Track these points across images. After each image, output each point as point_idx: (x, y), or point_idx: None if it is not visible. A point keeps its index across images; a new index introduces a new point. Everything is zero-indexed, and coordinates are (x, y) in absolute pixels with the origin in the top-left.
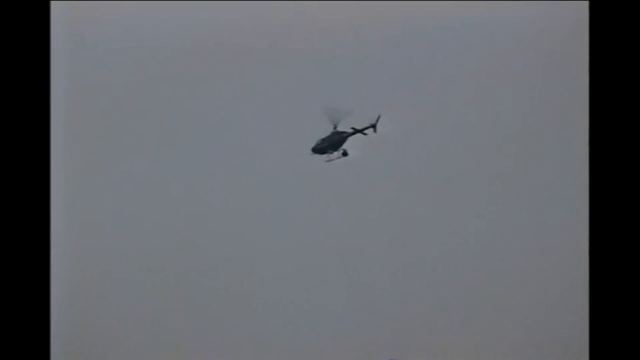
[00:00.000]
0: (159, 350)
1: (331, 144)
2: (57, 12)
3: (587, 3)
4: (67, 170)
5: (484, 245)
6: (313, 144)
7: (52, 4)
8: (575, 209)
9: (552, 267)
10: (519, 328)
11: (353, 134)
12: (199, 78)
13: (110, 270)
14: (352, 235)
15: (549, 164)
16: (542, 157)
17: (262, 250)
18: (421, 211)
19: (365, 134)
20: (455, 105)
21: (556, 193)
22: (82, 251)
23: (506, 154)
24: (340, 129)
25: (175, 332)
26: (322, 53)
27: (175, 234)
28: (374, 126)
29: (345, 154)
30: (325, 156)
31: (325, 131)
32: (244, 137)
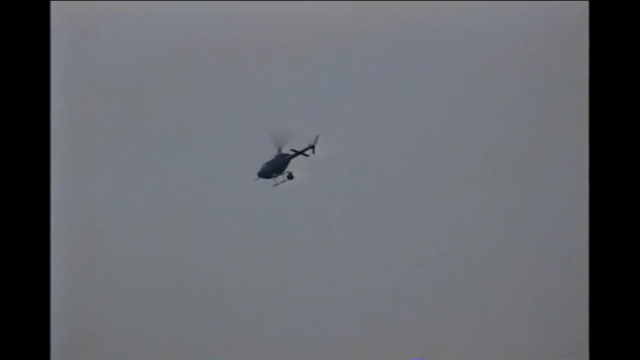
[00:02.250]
0: (159, 350)
1: (275, 167)
2: (57, 12)
3: (587, 3)
4: (67, 169)
5: (483, 246)
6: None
7: (52, 4)
8: (575, 209)
9: (552, 267)
10: (519, 328)
11: (294, 155)
12: (200, 78)
13: (111, 269)
14: (349, 238)
15: (549, 164)
16: (542, 156)
17: (262, 249)
18: (419, 212)
19: (306, 155)
20: (454, 105)
21: (556, 193)
22: (82, 250)
23: (506, 153)
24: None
25: (176, 331)
26: (317, 56)
27: (176, 233)
28: (312, 147)
29: (290, 177)
30: (272, 180)
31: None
32: (245, 136)
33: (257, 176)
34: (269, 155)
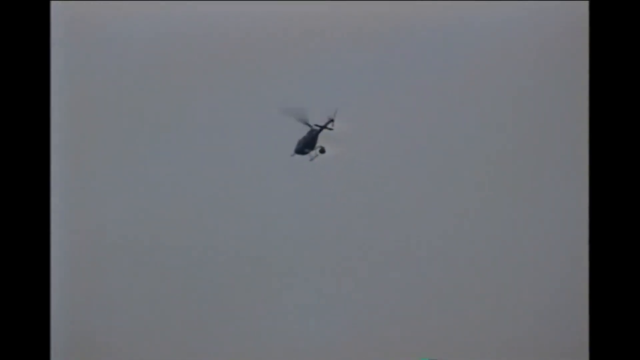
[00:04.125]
0: (160, 350)
1: (306, 143)
2: (57, 12)
3: (587, 3)
4: (67, 170)
5: (483, 246)
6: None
7: (52, 4)
8: (575, 209)
9: (552, 267)
10: (518, 328)
11: (320, 130)
12: (202, 78)
13: (111, 269)
14: (348, 231)
15: (548, 164)
16: (541, 157)
17: (262, 247)
18: (419, 210)
19: (330, 128)
20: (454, 105)
21: (556, 194)
22: (82, 250)
23: (505, 154)
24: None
25: (178, 331)
26: (316, 53)
27: (178, 233)
28: (332, 120)
29: (322, 151)
30: (307, 156)
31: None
32: (244, 136)
33: (293, 153)
34: (272, 155)
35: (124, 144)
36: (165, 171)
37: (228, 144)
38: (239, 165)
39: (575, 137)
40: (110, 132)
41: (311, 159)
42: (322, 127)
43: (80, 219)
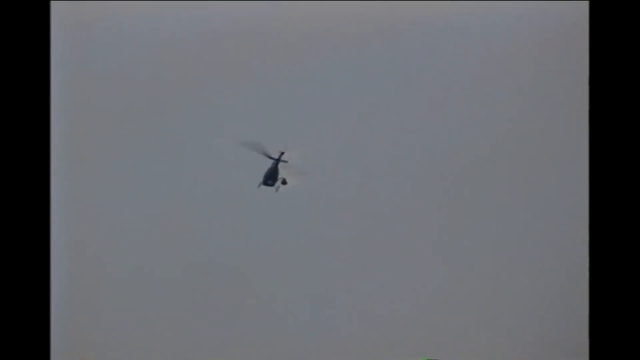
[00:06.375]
0: (159, 351)
1: (268, 175)
2: (57, 12)
3: (587, 3)
4: (67, 170)
5: (483, 246)
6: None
7: (52, 4)
8: (575, 209)
9: (552, 267)
10: (518, 328)
11: (276, 163)
12: (201, 78)
13: (111, 270)
14: (349, 236)
15: (548, 164)
16: (541, 157)
17: (264, 249)
18: (418, 211)
19: (285, 161)
20: (453, 105)
21: (556, 194)
22: (83, 251)
23: (505, 154)
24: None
25: (176, 332)
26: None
27: (176, 234)
28: (282, 153)
29: (284, 182)
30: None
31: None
32: (244, 136)
33: (260, 185)
34: (264, 158)
35: (123, 144)
36: (166, 171)
37: (229, 143)
38: (242, 162)
39: (575, 137)
40: (110, 131)
41: (276, 190)
42: (277, 160)
43: (80, 218)
